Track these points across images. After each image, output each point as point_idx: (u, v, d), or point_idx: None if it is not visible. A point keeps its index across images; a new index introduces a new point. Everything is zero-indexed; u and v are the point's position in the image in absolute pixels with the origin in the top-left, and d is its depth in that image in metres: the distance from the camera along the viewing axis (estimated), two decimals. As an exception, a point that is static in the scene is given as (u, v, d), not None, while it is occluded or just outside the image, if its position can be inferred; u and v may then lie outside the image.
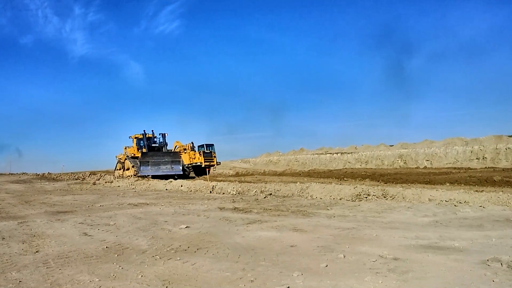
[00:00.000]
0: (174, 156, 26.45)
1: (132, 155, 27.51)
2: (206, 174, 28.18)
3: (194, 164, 27.39)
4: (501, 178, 15.07)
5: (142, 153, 26.07)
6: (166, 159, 25.46)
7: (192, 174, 27.69)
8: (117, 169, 30.19)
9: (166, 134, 28.61)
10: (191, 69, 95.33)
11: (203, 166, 27.04)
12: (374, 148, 42.08)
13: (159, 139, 28.60)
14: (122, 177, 25.45)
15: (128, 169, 27.39)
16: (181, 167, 25.61)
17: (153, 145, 27.76)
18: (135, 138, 28.15)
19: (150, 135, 28.11)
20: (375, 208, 8.68)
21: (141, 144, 27.71)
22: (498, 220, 6.74)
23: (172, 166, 25.16)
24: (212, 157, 28.09)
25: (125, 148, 28.94)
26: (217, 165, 29.35)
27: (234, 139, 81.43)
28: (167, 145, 28.39)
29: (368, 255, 4.62)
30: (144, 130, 27.87)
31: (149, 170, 24.39)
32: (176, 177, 26.57)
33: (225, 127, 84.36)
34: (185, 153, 28.08)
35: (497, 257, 4.30)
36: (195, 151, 27.98)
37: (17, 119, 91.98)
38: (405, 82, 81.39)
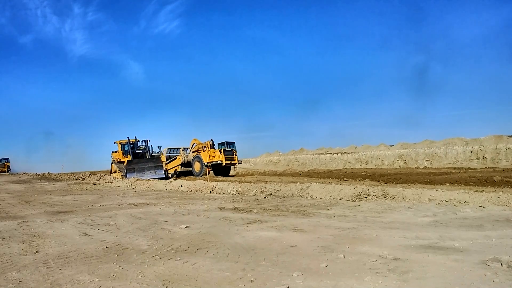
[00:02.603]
0: (157, 162, 27.90)
1: (118, 159, 28.77)
2: (227, 174, 27.88)
3: (214, 162, 27.02)
4: (501, 178, 15.06)
5: (128, 161, 27.36)
6: (150, 165, 27.24)
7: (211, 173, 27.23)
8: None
9: (148, 141, 29.91)
10: (191, 68, 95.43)
11: (224, 164, 26.87)
12: (374, 148, 41.99)
13: (142, 144, 29.66)
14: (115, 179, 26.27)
15: (115, 171, 28.75)
16: (163, 171, 27.40)
17: (137, 151, 28.98)
18: (120, 143, 29.47)
19: (134, 140, 29.17)
20: (375, 208, 8.68)
21: (126, 149, 28.88)
22: (498, 220, 6.74)
23: (155, 170, 26.99)
24: (233, 155, 27.82)
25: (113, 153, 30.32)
26: (238, 164, 29.13)
27: (234, 139, 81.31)
28: (150, 151, 29.52)
29: (368, 255, 4.62)
30: (128, 137, 29.10)
31: (134, 176, 25.93)
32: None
33: (224, 127, 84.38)
34: (203, 151, 27.76)
35: (497, 257, 4.30)
36: (215, 149, 27.64)
37: (16, 119, 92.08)
38: (405, 82, 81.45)
